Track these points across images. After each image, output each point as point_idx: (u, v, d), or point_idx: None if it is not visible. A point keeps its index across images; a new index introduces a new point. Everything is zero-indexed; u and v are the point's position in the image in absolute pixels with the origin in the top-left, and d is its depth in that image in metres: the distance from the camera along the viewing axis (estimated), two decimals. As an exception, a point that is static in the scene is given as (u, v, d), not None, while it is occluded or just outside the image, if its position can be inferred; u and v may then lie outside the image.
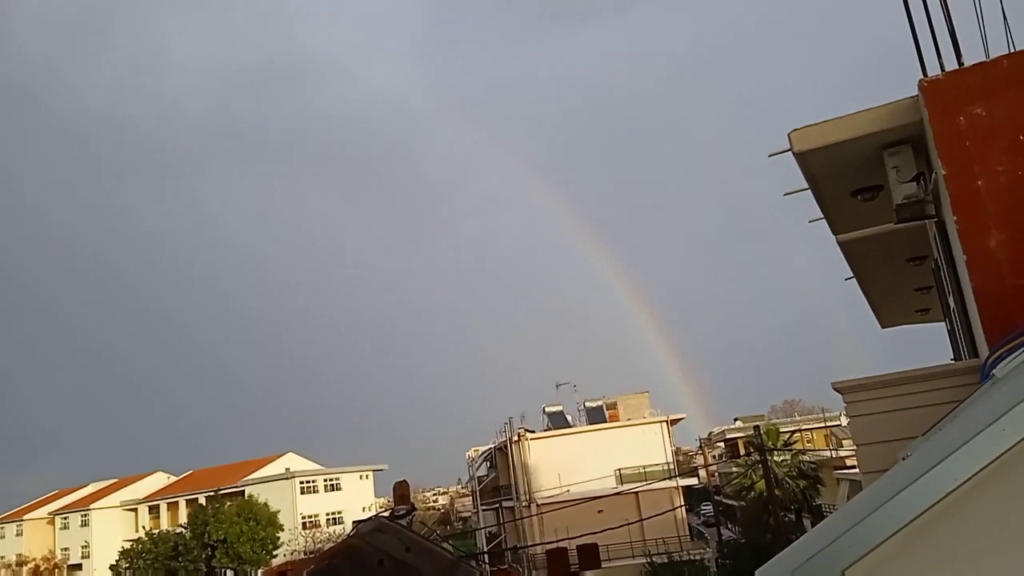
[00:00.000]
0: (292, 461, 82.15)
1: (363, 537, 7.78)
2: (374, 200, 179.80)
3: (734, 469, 50.74)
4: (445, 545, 10.18)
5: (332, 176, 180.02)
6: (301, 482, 76.44)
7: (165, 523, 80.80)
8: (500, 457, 58.94)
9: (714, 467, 77.29)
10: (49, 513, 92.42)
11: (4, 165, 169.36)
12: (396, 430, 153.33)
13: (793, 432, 53.84)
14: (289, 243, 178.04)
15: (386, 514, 9.28)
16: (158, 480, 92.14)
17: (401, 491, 9.12)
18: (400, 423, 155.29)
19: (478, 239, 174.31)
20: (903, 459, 3.94)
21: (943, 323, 11.97)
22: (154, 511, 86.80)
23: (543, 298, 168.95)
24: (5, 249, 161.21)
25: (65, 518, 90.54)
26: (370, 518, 9.29)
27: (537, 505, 49.67)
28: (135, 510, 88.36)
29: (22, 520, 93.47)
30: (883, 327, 16.30)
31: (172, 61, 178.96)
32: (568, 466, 50.45)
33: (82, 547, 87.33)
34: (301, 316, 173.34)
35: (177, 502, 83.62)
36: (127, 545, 70.86)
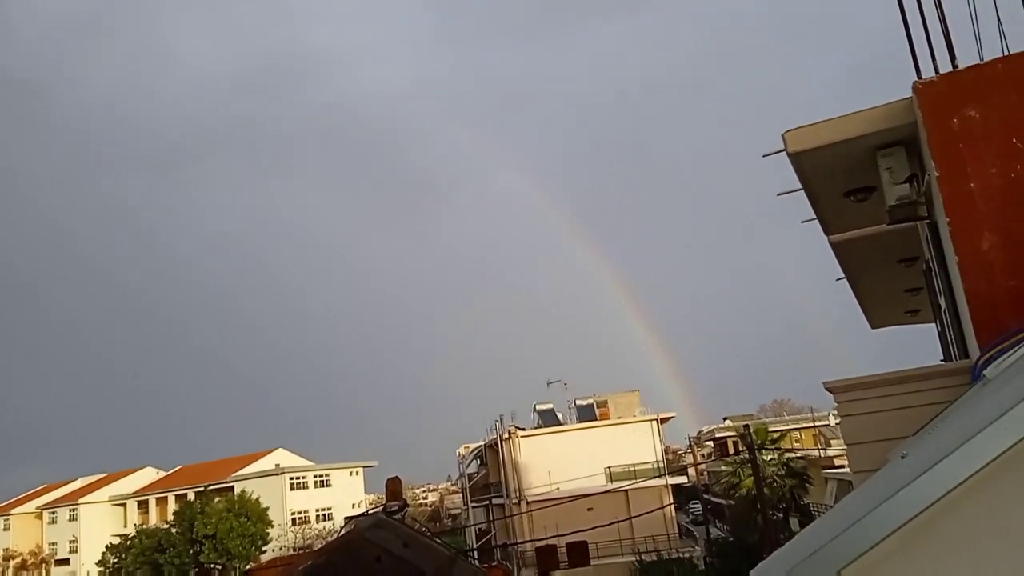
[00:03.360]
0: (282, 457, 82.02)
1: (361, 533, 7.78)
2: (374, 198, 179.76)
3: (723, 468, 50.88)
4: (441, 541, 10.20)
5: (332, 173, 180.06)
6: (291, 478, 76.32)
7: (154, 518, 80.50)
8: (490, 454, 58.96)
9: (703, 466, 77.51)
10: (37, 508, 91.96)
11: (3, 158, 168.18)
12: (386, 427, 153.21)
13: (782, 431, 54.04)
14: (287, 239, 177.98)
15: (377, 510, 9.27)
16: (147, 475, 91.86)
17: (393, 487, 9.10)
18: (391, 420, 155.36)
19: (474, 238, 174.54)
20: (902, 458, 3.96)
21: (933, 324, 12.05)
22: (143, 506, 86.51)
23: (535, 297, 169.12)
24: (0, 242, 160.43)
25: (53, 513, 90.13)
26: (363, 514, 9.29)
27: (527, 502, 49.75)
28: (124, 505, 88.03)
29: (9, 515, 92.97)
30: (873, 328, 16.37)
31: (175, 56, 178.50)
32: (558, 464, 50.50)
33: (70, 542, 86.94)
34: (294, 311, 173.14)
35: (166, 497, 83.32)
36: (115, 540, 70.59)
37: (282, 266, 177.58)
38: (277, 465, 78.39)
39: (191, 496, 73.42)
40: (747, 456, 35.32)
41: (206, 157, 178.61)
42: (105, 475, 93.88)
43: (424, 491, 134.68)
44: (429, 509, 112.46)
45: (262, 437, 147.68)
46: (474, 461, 65.52)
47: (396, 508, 8.73)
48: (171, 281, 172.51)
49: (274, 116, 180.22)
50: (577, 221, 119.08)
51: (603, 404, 59.28)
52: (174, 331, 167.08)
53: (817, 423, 65.01)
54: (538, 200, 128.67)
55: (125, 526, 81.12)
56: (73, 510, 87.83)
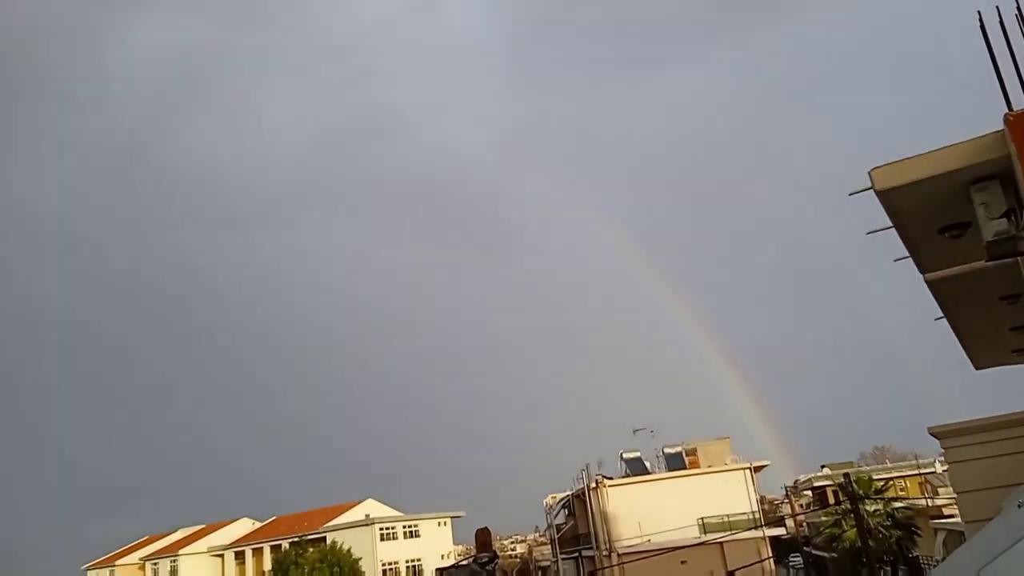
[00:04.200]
0: (371, 507, 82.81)
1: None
2: (454, 246, 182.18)
3: (823, 518, 48.72)
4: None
5: (414, 224, 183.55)
6: (381, 528, 76.81)
7: (250, 569, 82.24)
8: (578, 505, 58.11)
9: (802, 516, 74.38)
10: (140, 559, 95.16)
11: (104, 223, 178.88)
12: (472, 476, 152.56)
13: (886, 480, 51.52)
14: (372, 289, 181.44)
15: (468, 561, 9.29)
16: (243, 526, 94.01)
17: (483, 538, 9.12)
18: (476, 469, 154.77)
19: (557, 285, 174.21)
20: (1019, 506, 3.78)
21: (1044, 363, 11.43)
22: (240, 557, 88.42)
23: (619, 343, 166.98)
24: (102, 301, 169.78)
25: (155, 564, 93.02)
26: (454, 565, 9.32)
27: (618, 555, 48.69)
28: (222, 556, 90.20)
29: (114, 566, 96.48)
30: (977, 369, 15.58)
31: (262, 119, 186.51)
32: (648, 514, 49.38)
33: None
34: (380, 361, 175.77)
35: (262, 548, 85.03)
36: (213, 591, 72.28)
37: (370, 316, 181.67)
38: (367, 516, 79.13)
39: (285, 547, 74.79)
40: (849, 506, 33.79)
41: (292, 215, 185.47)
42: (204, 526, 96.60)
43: (512, 542, 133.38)
44: (518, 561, 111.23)
45: (351, 487, 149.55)
46: (562, 511, 64.66)
47: (486, 559, 8.72)
48: (263, 337, 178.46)
49: (357, 172, 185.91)
50: (660, 266, 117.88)
51: (692, 452, 57.84)
52: (265, 384, 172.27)
53: (922, 470, 61.73)
54: (620, 246, 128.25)
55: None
56: (174, 561, 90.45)
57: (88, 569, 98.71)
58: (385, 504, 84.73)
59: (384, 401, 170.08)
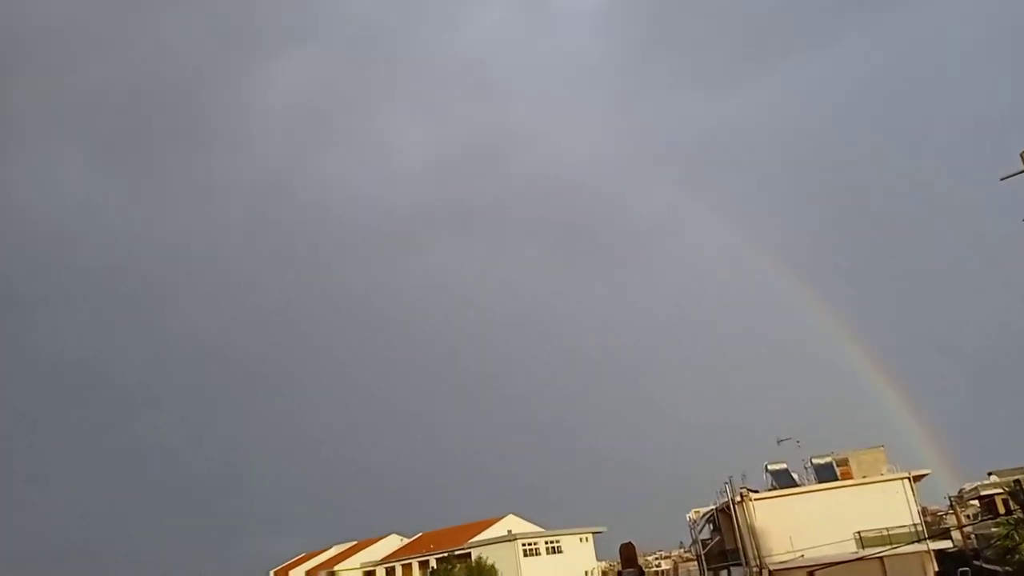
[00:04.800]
0: (513, 523, 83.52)
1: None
2: (584, 254, 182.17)
3: (993, 529, 45.25)
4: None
5: (542, 234, 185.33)
6: (523, 544, 77.32)
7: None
8: (723, 519, 56.47)
9: (969, 528, 69.31)
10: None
11: (254, 252, 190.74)
12: (612, 490, 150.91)
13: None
14: (511, 301, 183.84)
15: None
16: (392, 542, 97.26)
17: (628, 553, 9.22)
18: (616, 483, 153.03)
19: (685, 291, 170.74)
20: None
21: None
22: (390, 573, 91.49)
23: (755, 351, 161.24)
24: (229, 328, 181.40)
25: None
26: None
27: (769, 571, 47.02)
28: (373, 572, 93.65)
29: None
30: None
31: (389, 149, 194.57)
32: (799, 528, 47.42)
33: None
34: (518, 371, 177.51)
35: (411, 564, 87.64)
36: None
37: (510, 327, 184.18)
38: (509, 531, 79.87)
39: (433, 563, 76.81)
40: (1021, 515, 31.36)
41: (432, 235, 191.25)
42: (356, 543, 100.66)
43: (656, 558, 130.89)
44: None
45: (491, 502, 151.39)
46: (706, 526, 63.05)
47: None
48: (412, 354, 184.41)
49: (480, 191, 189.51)
50: (794, 266, 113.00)
51: (843, 463, 55.03)
52: (407, 402, 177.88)
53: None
54: (750, 249, 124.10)
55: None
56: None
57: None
58: (526, 519, 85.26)
59: (521, 413, 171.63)
